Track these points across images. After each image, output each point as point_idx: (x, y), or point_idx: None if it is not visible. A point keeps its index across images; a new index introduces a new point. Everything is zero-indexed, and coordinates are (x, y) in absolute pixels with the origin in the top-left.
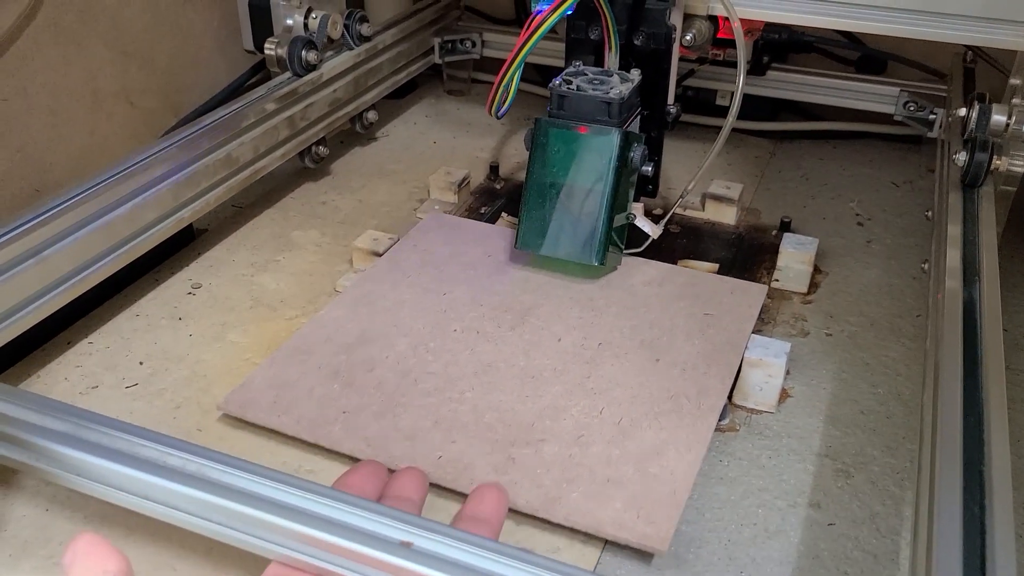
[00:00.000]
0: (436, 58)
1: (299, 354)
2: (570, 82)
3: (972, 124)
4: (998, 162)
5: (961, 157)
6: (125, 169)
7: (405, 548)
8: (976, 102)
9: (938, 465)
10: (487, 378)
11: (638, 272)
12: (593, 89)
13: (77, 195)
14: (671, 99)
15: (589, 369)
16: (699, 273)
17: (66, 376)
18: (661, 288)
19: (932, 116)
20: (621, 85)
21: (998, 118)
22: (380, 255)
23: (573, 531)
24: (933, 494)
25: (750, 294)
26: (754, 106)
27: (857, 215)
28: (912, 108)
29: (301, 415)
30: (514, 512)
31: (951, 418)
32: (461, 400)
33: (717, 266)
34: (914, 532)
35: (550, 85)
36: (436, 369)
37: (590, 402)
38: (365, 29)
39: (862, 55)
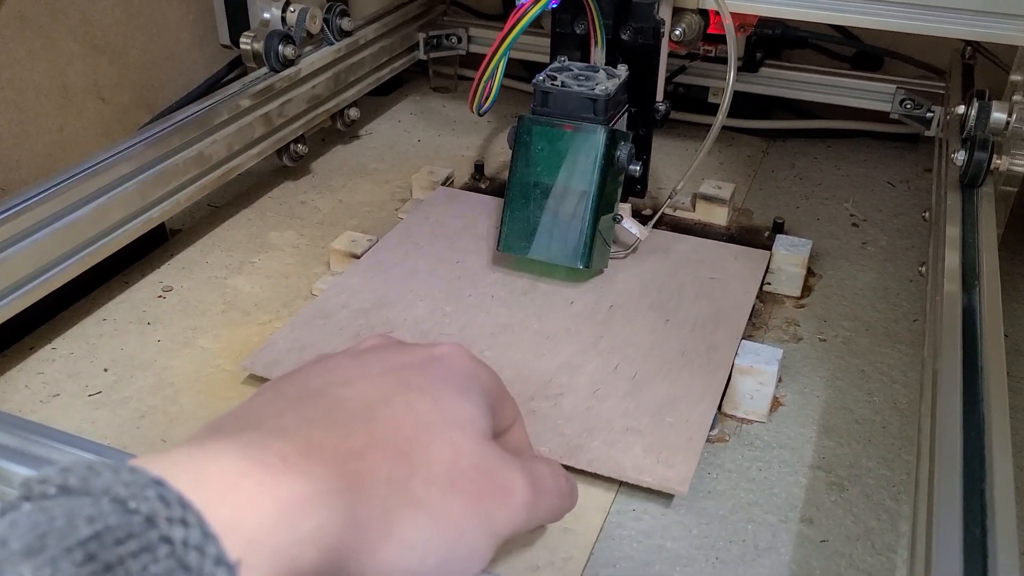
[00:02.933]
0: (421, 54)
1: (318, 318)
2: (554, 78)
3: (971, 122)
4: (998, 161)
5: (960, 156)
6: (90, 167)
7: None
8: (975, 99)
9: (937, 480)
10: (503, 338)
11: (644, 240)
12: (578, 85)
13: (38, 194)
14: (660, 96)
15: (601, 329)
16: (703, 240)
17: (27, 383)
18: (667, 255)
19: (930, 114)
20: (607, 81)
21: (998, 116)
22: (358, 257)
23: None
24: (931, 510)
25: (754, 259)
26: (747, 103)
27: (852, 216)
28: (909, 106)
29: None
30: None
31: (950, 429)
32: (480, 357)
33: None
34: (911, 549)
35: (533, 81)
36: (453, 331)
37: (604, 359)
38: (346, 23)
39: (858, 51)
